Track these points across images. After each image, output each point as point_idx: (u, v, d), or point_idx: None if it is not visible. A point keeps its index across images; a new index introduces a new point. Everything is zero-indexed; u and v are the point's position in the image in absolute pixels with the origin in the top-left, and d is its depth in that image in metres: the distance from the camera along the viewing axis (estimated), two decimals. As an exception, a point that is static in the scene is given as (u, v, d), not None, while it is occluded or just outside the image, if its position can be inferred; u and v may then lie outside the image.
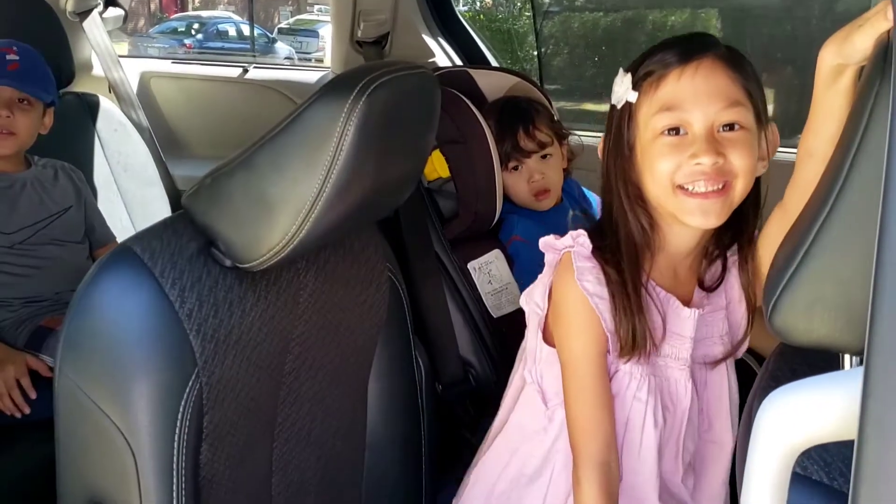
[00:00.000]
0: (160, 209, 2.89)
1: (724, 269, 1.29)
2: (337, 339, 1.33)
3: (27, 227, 2.16)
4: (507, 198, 2.04)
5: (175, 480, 1.04)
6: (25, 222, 2.16)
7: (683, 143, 1.15)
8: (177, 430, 1.03)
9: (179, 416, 1.03)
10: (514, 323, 2.02)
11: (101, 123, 2.71)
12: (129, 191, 2.80)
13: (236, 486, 1.18)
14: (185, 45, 15.79)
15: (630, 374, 1.24)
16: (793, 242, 0.80)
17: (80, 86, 2.78)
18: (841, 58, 0.90)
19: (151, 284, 1.04)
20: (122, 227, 2.73)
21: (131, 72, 3.11)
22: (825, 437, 0.62)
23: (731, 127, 1.14)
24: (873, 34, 0.82)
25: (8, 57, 2.10)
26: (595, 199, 2.27)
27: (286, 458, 1.28)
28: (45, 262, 2.17)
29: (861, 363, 0.58)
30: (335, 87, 1.04)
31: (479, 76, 2.17)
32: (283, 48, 15.32)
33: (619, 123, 1.23)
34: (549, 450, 1.32)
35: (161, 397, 1.02)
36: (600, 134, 2.44)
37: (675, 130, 1.16)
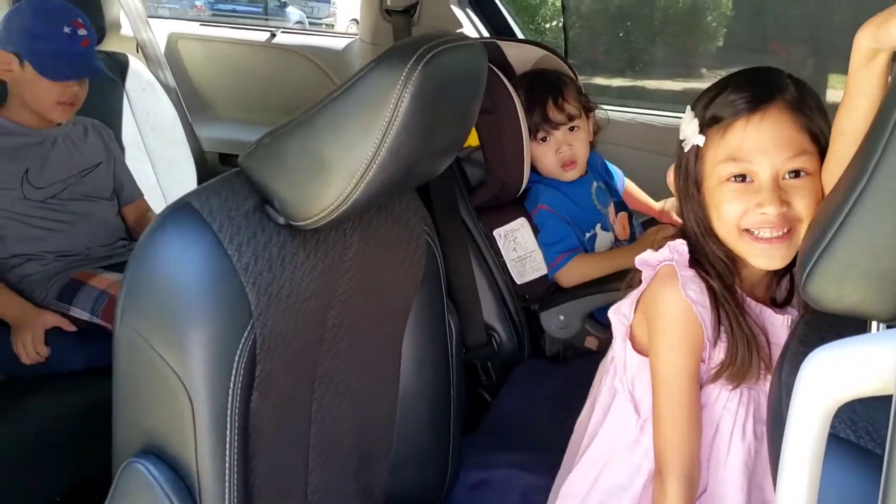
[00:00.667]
0: (186, 169, 2.94)
1: (793, 281, 1.30)
2: (376, 298, 1.38)
3: (58, 183, 2.21)
4: (533, 168, 2.09)
5: (228, 425, 1.08)
6: (57, 177, 2.21)
7: (749, 190, 1.18)
8: (232, 377, 1.08)
9: (235, 364, 1.08)
10: (538, 290, 2.08)
11: (131, 83, 2.75)
12: (155, 150, 2.84)
13: (279, 435, 1.23)
14: (196, 6, 15.70)
15: (721, 385, 1.26)
16: (828, 214, 0.84)
17: (108, 45, 2.82)
18: (876, 42, 0.93)
19: (211, 238, 1.08)
20: (148, 185, 2.77)
21: (159, 33, 3.14)
22: (866, 392, 0.67)
23: (796, 173, 1.17)
24: None
25: (80, 32, 2.14)
26: (617, 173, 2.32)
27: (324, 411, 1.34)
28: (75, 217, 2.22)
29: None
30: (393, 56, 1.08)
31: (508, 48, 2.21)
32: (294, 12, 15.20)
33: (688, 163, 1.26)
34: (641, 459, 1.33)
35: (219, 346, 1.07)
36: (621, 108, 2.48)
37: (741, 177, 1.19)
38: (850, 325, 1.02)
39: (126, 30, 3.07)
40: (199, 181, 3.00)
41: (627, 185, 2.35)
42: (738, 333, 1.22)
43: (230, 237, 1.10)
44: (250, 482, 1.15)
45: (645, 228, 2.25)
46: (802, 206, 1.16)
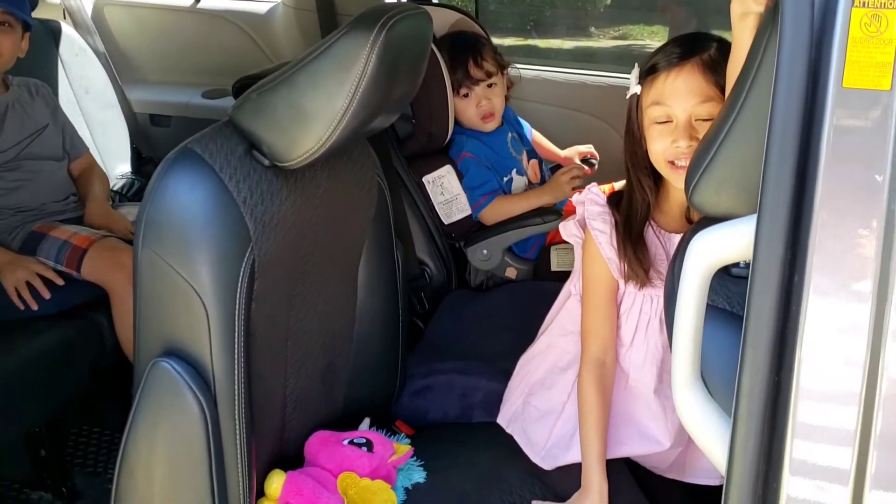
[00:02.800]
0: (119, 129, 3.10)
1: None
2: (337, 229, 1.62)
3: (14, 146, 2.36)
4: (456, 121, 2.35)
5: (235, 329, 1.32)
6: (13, 141, 2.36)
7: (668, 129, 1.49)
8: (237, 290, 1.31)
9: (239, 279, 1.31)
10: (463, 228, 2.36)
11: (64, 48, 2.89)
12: (89, 112, 2.98)
13: (266, 344, 1.47)
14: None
15: (636, 294, 1.59)
16: (706, 142, 1.12)
17: (35, 12, 2.92)
18: (743, 7, 1.20)
19: (214, 176, 1.31)
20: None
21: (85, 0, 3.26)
22: (733, 258, 0.96)
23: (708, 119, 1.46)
24: None
25: None
26: (526, 125, 2.60)
27: (298, 325, 1.58)
28: (30, 176, 2.38)
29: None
30: (361, 23, 1.32)
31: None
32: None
33: (631, 108, 1.56)
34: (580, 349, 1.65)
35: (227, 263, 1.30)
36: (527, 66, 2.76)
37: (664, 118, 1.49)
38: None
39: (52, -4, 3.17)
40: (131, 140, 3.16)
41: (535, 136, 2.64)
42: (629, 250, 1.56)
43: (229, 175, 1.33)
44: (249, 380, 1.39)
45: (552, 173, 2.55)
46: None
